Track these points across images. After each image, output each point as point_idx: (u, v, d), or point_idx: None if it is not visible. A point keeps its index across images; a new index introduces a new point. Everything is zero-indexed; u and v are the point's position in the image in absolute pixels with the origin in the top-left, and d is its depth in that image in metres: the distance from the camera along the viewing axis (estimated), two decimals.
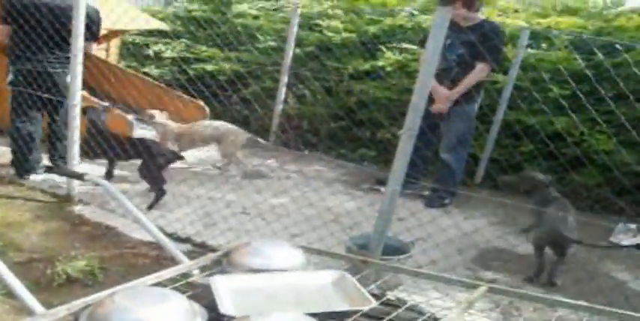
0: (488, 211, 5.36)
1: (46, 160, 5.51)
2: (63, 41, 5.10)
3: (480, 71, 5.24)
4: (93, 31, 5.26)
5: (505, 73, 5.97)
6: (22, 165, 5.34)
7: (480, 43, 4.86)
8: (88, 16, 4.96)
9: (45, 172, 5.33)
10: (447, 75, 5.26)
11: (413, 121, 3.11)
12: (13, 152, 5.37)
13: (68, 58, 4.95)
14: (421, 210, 5.01)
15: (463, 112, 5.32)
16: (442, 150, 5.49)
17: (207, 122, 6.19)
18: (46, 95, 5.19)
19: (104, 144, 5.13)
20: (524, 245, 4.34)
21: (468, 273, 4.08)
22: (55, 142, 5.47)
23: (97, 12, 5.30)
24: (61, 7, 5.14)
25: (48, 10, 5.11)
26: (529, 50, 6.02)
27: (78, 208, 4.77)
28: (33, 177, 5.32)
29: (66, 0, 5.10)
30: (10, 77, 5.29)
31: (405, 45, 6.64)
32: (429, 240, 4.15)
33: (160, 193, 4.88)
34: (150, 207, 4.80)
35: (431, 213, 5.02)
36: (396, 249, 3.61)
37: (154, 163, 4.93)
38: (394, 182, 3.21)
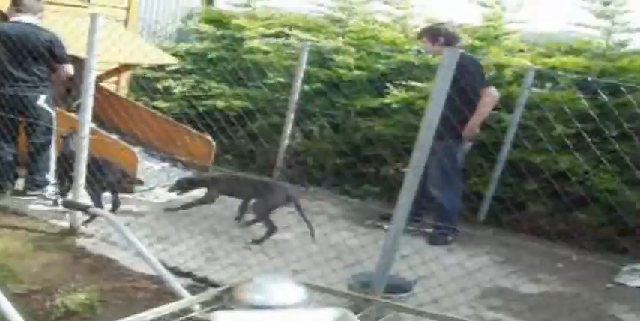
0: (492, 249, 5.33)
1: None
2: (28, 66, 5.45)
3: (491, 96, 5.35)
4: (59, 54, 5.57)
5: (510, 111, 6.01)
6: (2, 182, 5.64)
7: (460, 74, 4.83)
8: (49, 41, 5.48)
9: (56, 204, 5.42)
10: None
11: (419, 158, 3.15)
12: None
13: (36, 81, 5.50)
14: (425, 248, 4.99)
15: (446, 148, 5.18)
16: (430, 186, 5.40)
17: None
18: (19, 118, 5.53)
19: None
20: (528, 285, 4.31)
21: (470, 312, 4.05)
22: (31, 164, 5.68)
23: (55, 36, 5.59)
24: (18, 35, 5.46)
25: (7, 37, 5.45)
26: (534, 89, 6.07)
27: (80, 240, 4.77)
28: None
29: (24, 28, 5.49)
30: None
31: (412, 82, 6.69)
32: (431, 278, 4.13)
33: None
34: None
35: (435, 251, 5.00)
36: (398, 287, 3.59)
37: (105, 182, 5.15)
38: (399, 220, 3.22)
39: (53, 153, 5.72)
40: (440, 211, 5.49)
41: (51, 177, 5.71)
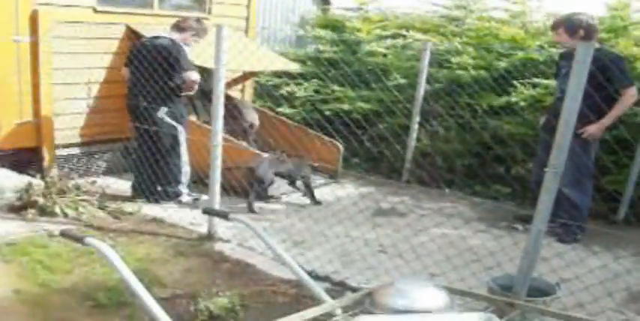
0: (638, 250, 5.03)
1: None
2: (148, 77, 5.53)
3: (628, 97, 5.03)
4: (175, 62, 5.53)
5: None
6: (141, 189, 5.87)
7: (599, 70, 4.56)
8: (164, 47, 5.51)
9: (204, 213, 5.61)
10: (560, 105, 5.18)
11: (558, 158, 3.06)
12: (135, 177, 5.96)
13: (154, 93, 5.53)
14: (567, 250, 4.77)
15: (580, 145, 4.91)
16: (563, 184, 5.16)
17: None
18: (144, 126, 5.69)
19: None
20: None
21: (620, 317, 3.84)
22: (162, 175, 5.82)
23: (173, 42, 5.60)
24: (138, 48, 5.63)
25: (137, 50, 5.64)
26: None
27: (218, 245, 4.87)
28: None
29: (148, 40, 5.65)
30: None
31: (537, 80, 6.46)
32: (575, 281, 3.95)
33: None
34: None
35: (577, 253, 4.77)
36: (540, 290, 3.45)
37: None
38: (539, 221, 3.13)
39: (185, 164, 5.87)
40: (571, 209, 5.23)
41: (183, 188, 5.90)
